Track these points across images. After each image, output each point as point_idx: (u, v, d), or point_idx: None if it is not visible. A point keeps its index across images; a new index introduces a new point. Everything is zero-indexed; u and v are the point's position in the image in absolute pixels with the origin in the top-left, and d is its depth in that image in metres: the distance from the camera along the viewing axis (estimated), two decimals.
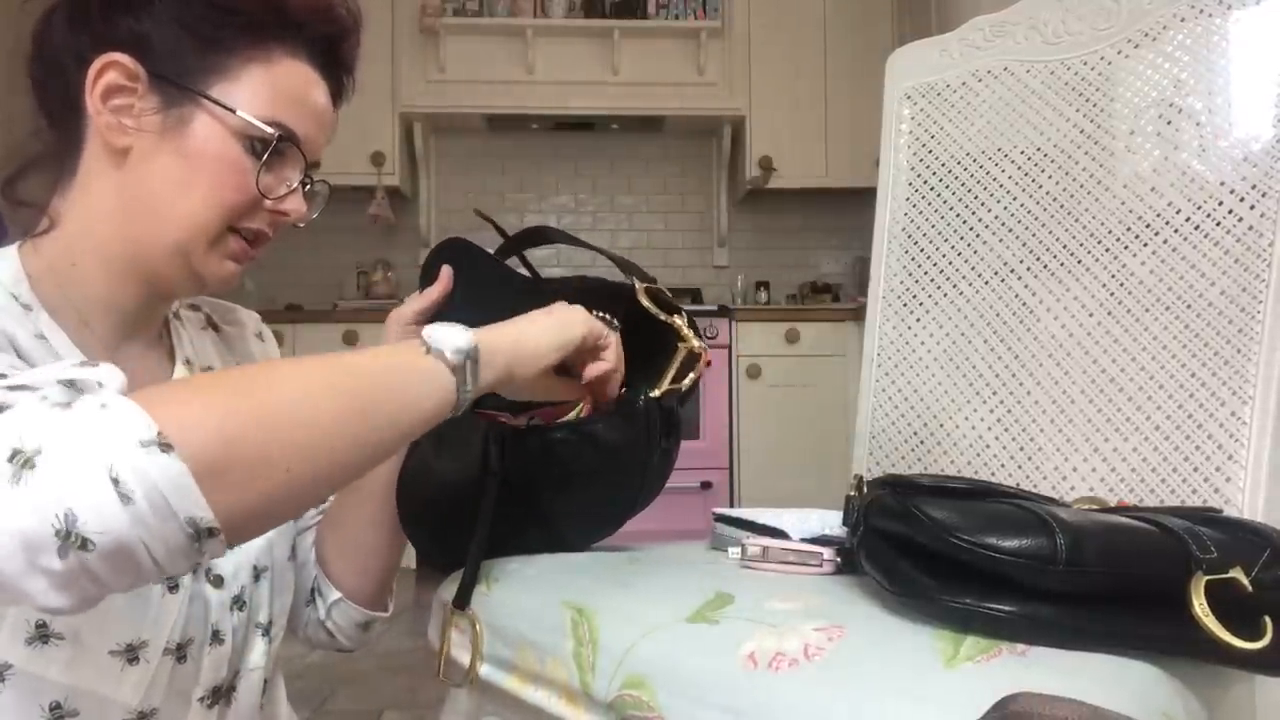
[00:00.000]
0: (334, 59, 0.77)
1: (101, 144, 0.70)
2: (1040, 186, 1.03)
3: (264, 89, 0.71)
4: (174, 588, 0.70)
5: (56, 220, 0.72)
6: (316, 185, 0.79)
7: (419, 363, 0.61)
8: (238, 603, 0.76)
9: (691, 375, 0.79)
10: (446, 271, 0.87)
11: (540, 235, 0.95)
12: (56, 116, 0.72)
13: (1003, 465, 1.00)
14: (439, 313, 0.85)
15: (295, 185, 0.74)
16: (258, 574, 0.78)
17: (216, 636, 0.74)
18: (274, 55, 0.71)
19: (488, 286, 0.86)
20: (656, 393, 0.78)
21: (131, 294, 0.73)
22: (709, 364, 0.81)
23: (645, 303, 0.80)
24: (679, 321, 0.80)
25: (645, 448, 0.79)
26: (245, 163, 0.70)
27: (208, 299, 0.89)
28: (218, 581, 0.75)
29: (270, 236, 0.76)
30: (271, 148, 0.71)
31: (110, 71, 0.68)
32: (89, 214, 0.71)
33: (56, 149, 0.72)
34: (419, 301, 0.85)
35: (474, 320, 0.79)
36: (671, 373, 0.79)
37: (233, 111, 0.69)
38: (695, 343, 0.80)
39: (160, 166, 0.69)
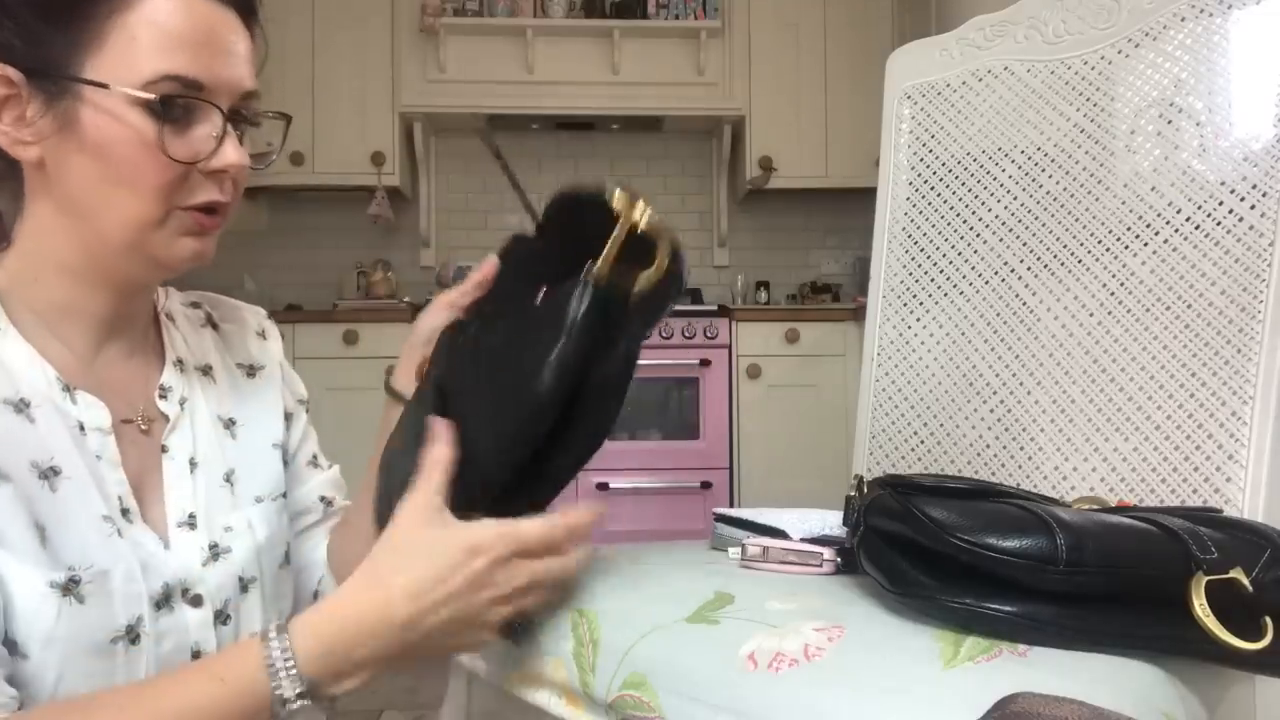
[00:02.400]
0: None
1: (25, 161, 0.66)
2: (1040, 186, 1.03)
3: (139, 44, 0.62)
4: (135, 640, 0.65)
5: (13, 239, 0.69)
6: (259, 116, 0.70)
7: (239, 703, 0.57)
8: (221, 618, 0.73)
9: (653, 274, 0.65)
10: (491, 261, 0.76)
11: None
12: None
13: (1003, 465, 1.00)
14: (484, 298, 0.76)
15: (221, 135, 0.65)
16: (245, 585, 0.75)
17: (198, 657, 0.71)
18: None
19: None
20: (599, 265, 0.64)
21: (99, 299, 0.70)
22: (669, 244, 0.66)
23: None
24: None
25: (568, 335, 0.63)
26: (150, 136, 0.63)
27: (208, 295, 0.87)
28: (196, 601, 0.71)
29: (228, 202, 0.69)
30: (165, 109, 0.62)
31: None
32: (37, 229, 0.68)
33: (3, 176, 0.69)
34: (465, 284, 0.77)
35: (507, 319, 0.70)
36: (613, 250, 0.65)
37: (105, 88, 0.62)
38: (636, 214, 0.65)
39: (75, 170, 0.65)
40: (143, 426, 0.73)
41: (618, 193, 0.66)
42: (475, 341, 0.72)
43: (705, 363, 3.31)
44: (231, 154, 0.66)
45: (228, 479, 0.77)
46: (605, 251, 0.64)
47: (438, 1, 3.61)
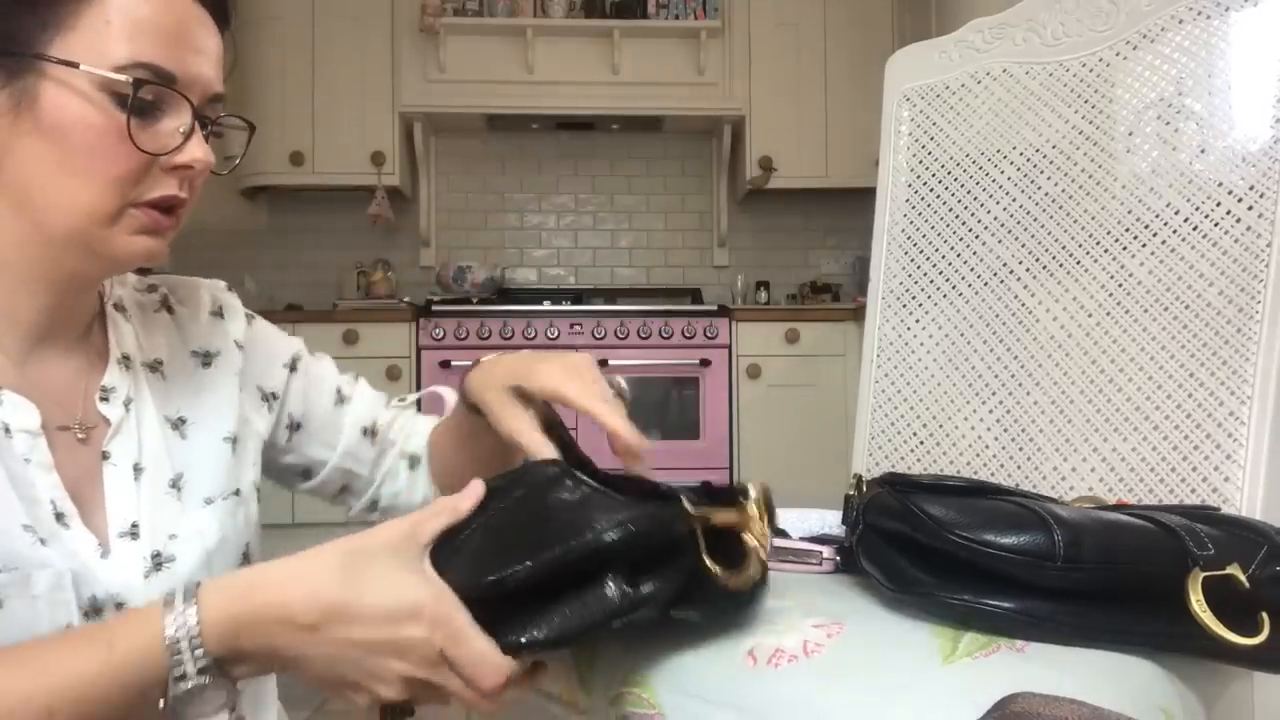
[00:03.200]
0: None
1: None
2: (1039, 187, 1.03)
3: (111, 29, 0.60)
4: None
5: None
6: (224, 122, 0.68)
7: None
8: None
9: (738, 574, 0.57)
10: (475, 488, 0.60)
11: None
12: None
13: (1002, 465, 1.01)
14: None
15: (188, 130, 0.63)
16: None
17: None
18: None
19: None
20: (691, 509, 0.56)
21: (34, 298, 0.66)
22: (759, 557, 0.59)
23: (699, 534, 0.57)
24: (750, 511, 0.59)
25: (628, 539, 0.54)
26: (115, 123, 0.60)
27: (168, 278, 0.81)
28: None
29: (186, 200, 0.65)
30: (134, 95, 0.60)
31: None
32: None
33: None
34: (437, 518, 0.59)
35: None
36: (718, 515, 0.58)
37: (75, 66, 0.59)
38: (754, 532, 0.58)
39: (26, 153, 0.61)
40: (80, 435, 0.68)
41: (753, 490, 0.59)
42: (550, 484, 0.60)
43: (705, 363, 3.32)
44: (198, 150, 0.64)
45: (175, 484, 0.72)
46: (711, 513, 0.57)
47: (438, 1, 3.61)
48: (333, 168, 3.63)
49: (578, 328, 3.31)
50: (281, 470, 0.88)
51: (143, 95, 0.61)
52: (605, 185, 4.09)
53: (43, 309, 0.66)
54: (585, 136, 4.02)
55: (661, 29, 3.72)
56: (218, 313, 0.81)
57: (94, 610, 0.64)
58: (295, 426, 0.85)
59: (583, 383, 0.70)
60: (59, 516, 0.64)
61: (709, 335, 3.33)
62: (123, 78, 0.60)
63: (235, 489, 0.76)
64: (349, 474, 0.89)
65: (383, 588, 0.54)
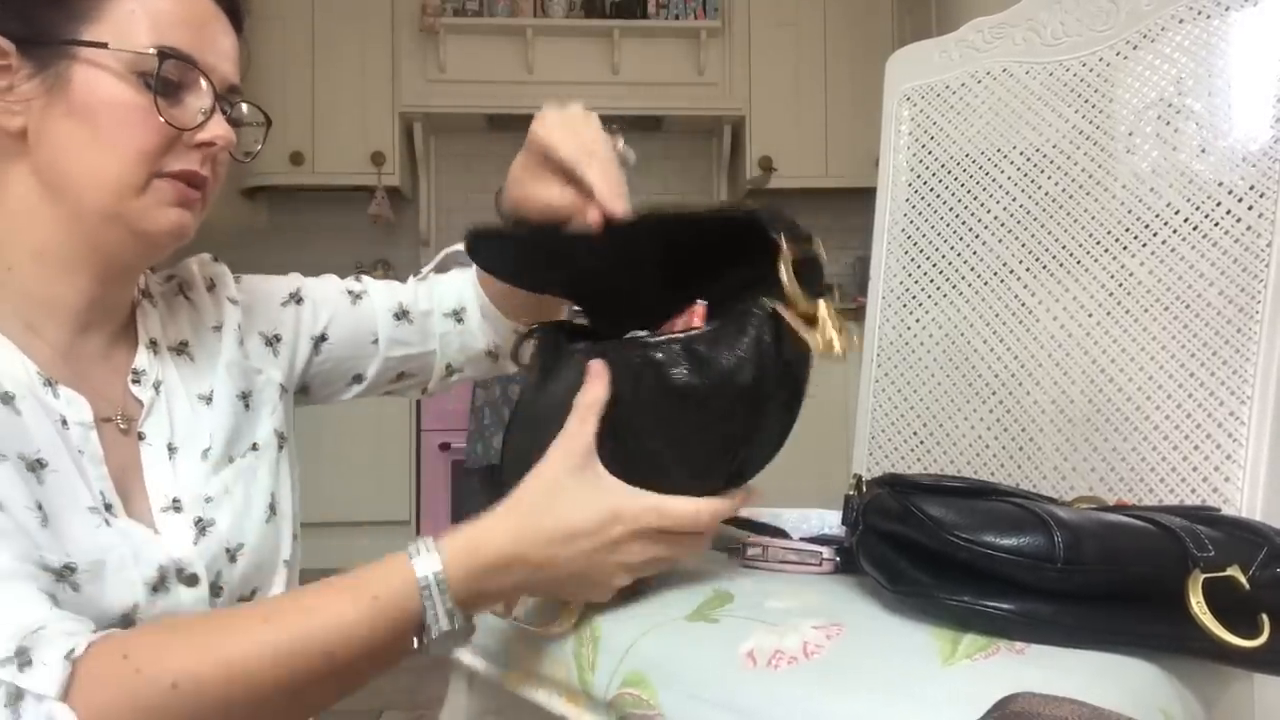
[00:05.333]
0: None
1: (6, 132, 0.66)
2: (1039, 187, 1.03)
3: (136, 18, 0.65)
4: (130, 625, 0.65)
5: None
6: (241, 110, 0.73)
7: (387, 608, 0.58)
8: (215, 590, 0.71)
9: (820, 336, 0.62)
10: (598, 369, 0.65)
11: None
12: None
13: (1002, 465, 1.01)
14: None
15: (209, 110, 0.68)
16: (232, 555, 0.73)
17: None
18: None
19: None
20: (777, 307, 0.63)
21: (77, 287, 0.69)
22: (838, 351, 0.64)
23: (785, 279, 0.62)
24: (822, 311, 0.63)
25: (758, 368, 0.64)
26: (143, 99, 0.65)
27: (179, 266, 0.85)
28: (191, 580, 0.69)
29: (209, 178, 0.70)
30: (160, 71, 0.65)
31: None
32: (10, 212, 0.67)
33: None
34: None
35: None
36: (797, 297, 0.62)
37: (104, 47, 0.64)
38: (828, 335, 0.62)
39: (59, 135, 0.65)
40: (122, 425, 0.71)
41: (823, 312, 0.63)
42: (641, 371, 0.66)
43: None
44: (219, 128, 0.69)
45: (205, 454, 0.75)
46: (789, 289, 0.62)
47: (438, 1, 3.61)
48: (333, 168, 3.63)
49: None
50: (330, 383, 0.91)
51: (167, 74, 0.66)
52: None
53: (84, 298, 0.70)
54: None
55: (661, 29, 3.73)
56: (211, 286, 0.85)
57: (160, 580, 0.67)
58: (322, 338, 0.89)
59: (577, 138, 0.74)
60: (108, 506, 0.67)
61: None
62: (150, 52, 0.65)
63: (252, 443, 0.80)
64: (403, 360, 0.93)
65: (580, 506, 0.62)
